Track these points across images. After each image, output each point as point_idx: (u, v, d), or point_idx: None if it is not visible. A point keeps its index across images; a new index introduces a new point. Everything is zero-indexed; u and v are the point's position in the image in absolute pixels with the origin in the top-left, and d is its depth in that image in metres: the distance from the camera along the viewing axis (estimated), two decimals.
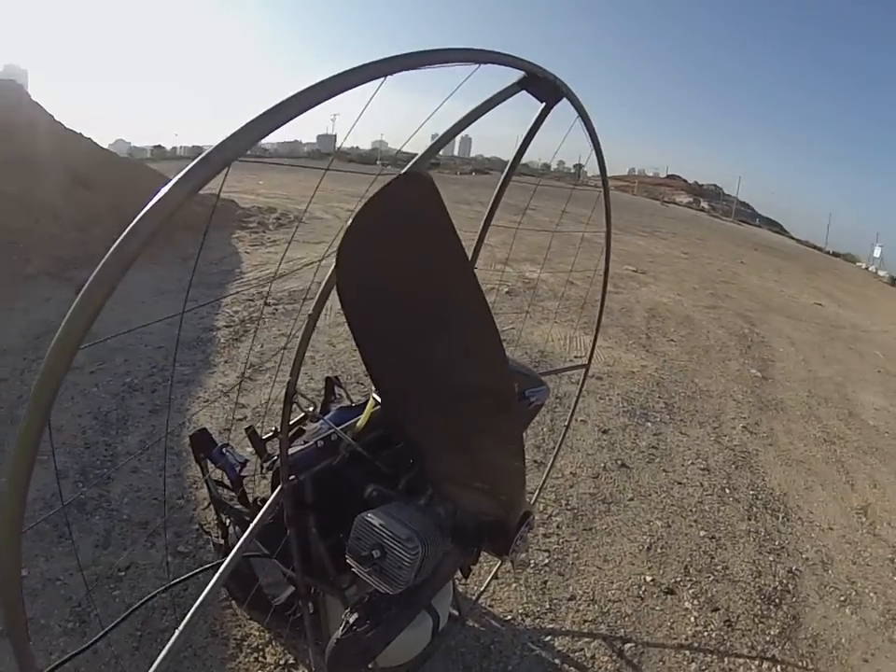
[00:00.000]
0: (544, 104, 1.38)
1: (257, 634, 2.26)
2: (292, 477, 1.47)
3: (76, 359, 0.70)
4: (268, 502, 1.44)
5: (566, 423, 4.10)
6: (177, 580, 1.73)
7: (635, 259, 11.22)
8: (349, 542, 1.32)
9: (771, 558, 3.18)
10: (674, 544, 3.14)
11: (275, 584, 1.91)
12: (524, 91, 1.26)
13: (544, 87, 1.31)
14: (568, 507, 3.32)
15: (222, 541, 1.97)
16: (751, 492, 3.82)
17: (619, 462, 3.87)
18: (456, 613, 2.33)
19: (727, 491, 3.78)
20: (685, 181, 45.57)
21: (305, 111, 0.76)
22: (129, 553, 2.54)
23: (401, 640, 1.49)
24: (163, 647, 1.15)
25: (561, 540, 3.04)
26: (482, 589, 2.57)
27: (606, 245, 2.17)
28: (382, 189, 0.85)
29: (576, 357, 5.57)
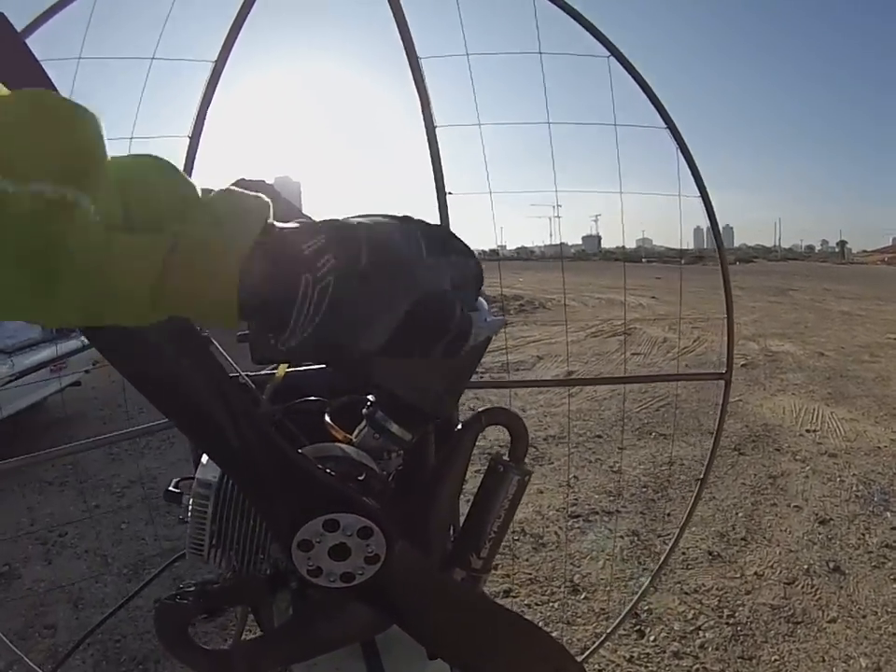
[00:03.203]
0: None
1: None
2: None
3: None
4: None
5: (772, 505, 3.27)
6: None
7: None
8: None
9: None
10: None
11: None
12: None
13: None
14: (731, 620, 2.27)
15: None
16: None
17: (831, 565, 2.70)
18: None
19: None
20: None
21: None
22: None
23: None
24: None
25: (697, 667, 2.03)
26: None
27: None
28: None
29: (808, 430, 4.44)
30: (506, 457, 0.90)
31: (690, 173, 1.36)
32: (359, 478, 0.71)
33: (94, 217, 0.34)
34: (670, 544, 1.67)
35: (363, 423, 0.81)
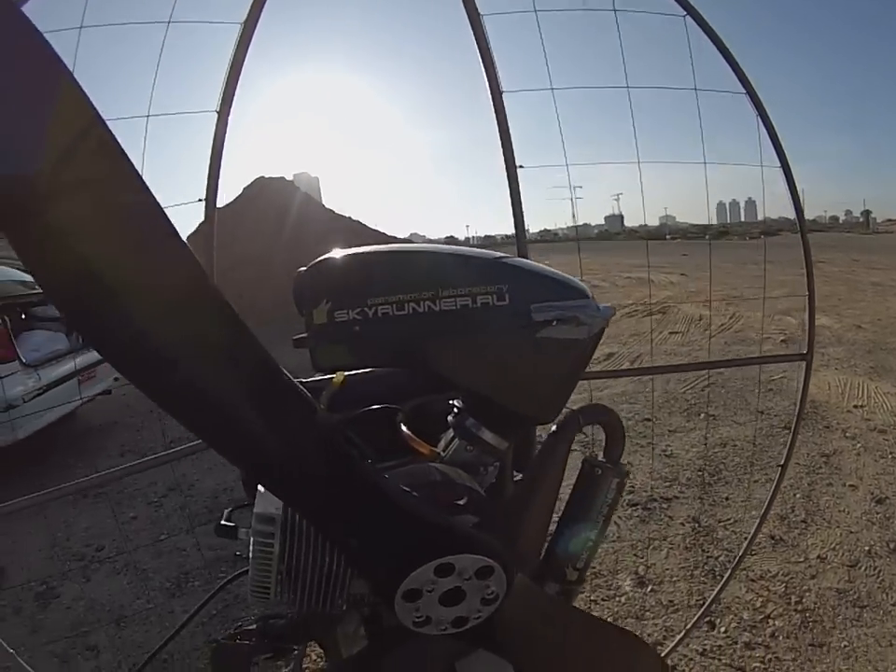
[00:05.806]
0: None
1: None
2: None
3: None
4: None
5: (828, 485, 3.16)
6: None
7: None
8: None
9: None
10: None
11: None
12: None
13: None
14: (799, 607, 2.21)
15: None
16: None
17: (892, 545, 2.64)
18: None
19: None
20: None
21: None
22: None
23: None
24: None
25: (769, 657, 1.96)
26: None
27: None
28: None
29: (855, 406, 4.30)
30: (600, 457, 0.81)
31: (770, 142, 1.24)
32: (460, 503, 0.61)
33: None
34: (747, 540, 1.57)
35: (450, 433, 0.70)
